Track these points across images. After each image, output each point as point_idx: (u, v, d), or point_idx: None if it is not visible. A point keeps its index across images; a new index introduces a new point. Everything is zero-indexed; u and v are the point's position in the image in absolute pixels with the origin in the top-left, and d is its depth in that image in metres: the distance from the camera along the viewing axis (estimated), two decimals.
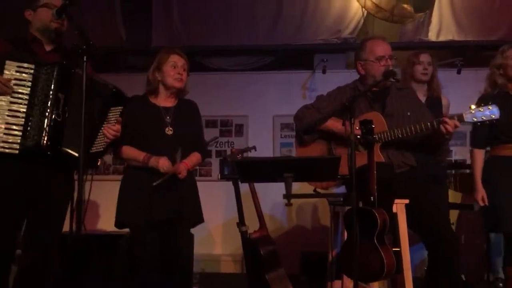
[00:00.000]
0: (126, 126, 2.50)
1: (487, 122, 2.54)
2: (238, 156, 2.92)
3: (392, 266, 2.24)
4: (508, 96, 2.98)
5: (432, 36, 4.66)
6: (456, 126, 2.51)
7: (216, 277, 4.41)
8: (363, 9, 4.60)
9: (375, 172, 2.31)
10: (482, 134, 3.00)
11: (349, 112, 2.32)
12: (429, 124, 2.56)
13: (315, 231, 4.73)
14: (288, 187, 2.25)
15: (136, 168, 2.64)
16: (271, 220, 4.73)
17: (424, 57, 3.34)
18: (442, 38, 4.59)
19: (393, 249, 2.66)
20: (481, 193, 2.97)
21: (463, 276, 3.72)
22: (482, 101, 3.00)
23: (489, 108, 2.51)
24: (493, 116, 2.51)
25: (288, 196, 2.23)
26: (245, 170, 2.24)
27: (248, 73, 5.01)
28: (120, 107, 2.38)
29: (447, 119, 2.51)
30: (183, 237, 2.67)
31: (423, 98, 3.29)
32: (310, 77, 4.81)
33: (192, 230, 2.79)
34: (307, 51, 4.82)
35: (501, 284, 3.48)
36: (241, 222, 2.70)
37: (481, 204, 2.97)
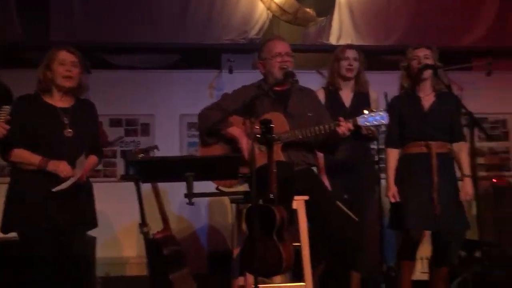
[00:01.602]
0: (19, 127, 2.36)
1: (378, 126, 2.68)
2: (139, 156, 2.86)
3: (290, 260, 2.32)
4: (415, 96, 3.10)
5: (333, 39, 4.86)
6: (349, 129, 2.61)
7: (121, 281, 4.29)
8: (268, 11, 4.71)
9: (274, 170, 2.38)
10: (395, 133, 3.08)
11: (250, 111, 2.37)
12: (327, 126, 2.65)
13: (224, 230, 4.76)
14: (189, 187, 2.26)
15: (27, 172, 2.49)
16: (180, 220, 4.69)
17: (350, 53, 3.31)
18: (342, 42, 4.78)
19: (294, 244, 2.77)
20: (392, 190, 3.03)
21: (364, 266, 3.94)
22: (392, 102, 3.16)
23: (379, 114, 2.62)
24: (383, 122, 2.63)
25: (189, 195, 2.24)
26: (145, 170, 2.21)
27: (155, 71, 4.92)
28: (8, 106, 2.25)
29: (342, 122, 2.62)
30: (80, 242, 2.57)
31: (350, 94, 3.34)
32: (217, 77, 4.83)
33: (96, 233, 2.70)
34: (214, 50, 4.83)
35: (393, 273, 3.72)
36: (143, 223, 2.66)
37: (392, 200, 3.03)
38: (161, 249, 2.76)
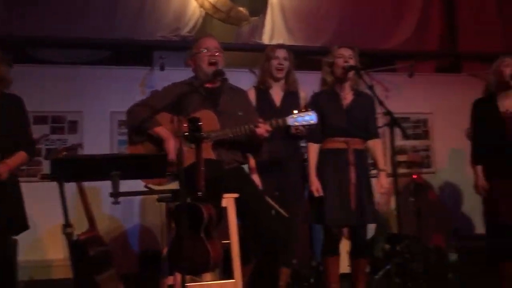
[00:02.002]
0: None
1: (307, 126, 2.75)
2: (62, 155, 2.77)
3: (218, 258, 2.34)
4: (335, 94, 3.19)
5: (265, 39, 4.92)
6: (267, 130, 2.67)
7: (45, 284, 4.14)
8: (201, 8, 4.70)
9: (203, 168, 2.39)
10: (316, 128, 3.10)
11: (178, 108, 2.36)
12: (247, 127, 2.69)
13: (156, 229, 4.70)
14: (114, 186, 2.21)
15: None
16: (112, 219, 4.58)
17: (280, 52, 3.35)
18: (274, 42, 4.83)
19: (223, 241, 2.79)
20: (315, 185, 3.09)
21: (294, 261, 4.04)
22: (313, 98, 3.24)
23: (308, 114, 2.70)
24: (312, 122, 2.70)
25: (115, 194, 2.20)
26: (67, 169, 2.14)
27: (83, 67, 4.76)
28: None
29: (260, 123, 2.67)
30: (1, 246, 2.45)
31: (280, 93, 3.38)
32: (149, 74, 4.75)
33: (19, 236, 2.58)
34: (145, 47, 4.75)
35: (322, 268, 3.83)
36: (66, 224, 2.57)
37: (316, 195, 3.08)
38: (86, 250, 2.69)
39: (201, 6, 4.68)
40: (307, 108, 2.75)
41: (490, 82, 3.31)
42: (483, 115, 3.27)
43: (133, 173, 2.28)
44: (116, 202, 2.18)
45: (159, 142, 2.72)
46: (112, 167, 2.17)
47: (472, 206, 3.33)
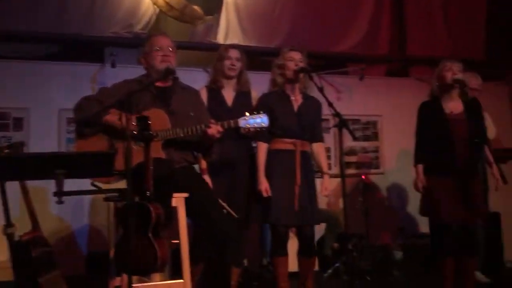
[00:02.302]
0: None
1: (259, 129, 2.78)
2: (4, 153, 2.66)
3: (165, 258, 2.33)
4: (284, 95, 3.24)
5: (220, 39, 4.91)
6: (219, 131, 2.68)
7: None
8: (155, 6, 4.64)
9: (151, 167, 2.36)
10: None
11: (126, 106, 2.33)
12: (198, 127, 2.69)
13: (105, 229, 4.60)
14: (58, 185, 2.16)
15: None
16: (59, 220, 4.44)
17: (233, 52, 3.35)
18: (229, 41, 4.84)
19: (173, 241, 2.78)
20: (264, 185, 3.12)
21: (245, 261, 4.06)
22: (262, 98, 3.28)
23: (260, 117, 2.73)
24: (263, 124, 2.73)
25: (59, 193, 2.14)
26: (8, 168, 2.06)
27: (32, 62, 4.59)
28: None
29: (212, 124, 2.68)
30: None
31: (232, 93, 3.38)
32: (99, 71, 4.64)
33: None
34: (96, 43, 4.63)
35: (271, 267, 3.88)
36: (8, 224, 2.48)
37: (265, 195, 3.12)
38: (29, 251, 2.60)
39: (155, 3, 4.62)
40: (259, 110, 2.78)
41: (434, 86, 3.45)
42: (429, 117, 3.40)
43: (78, 172, 2.22)
44: (60, 202, 2.13)
45: (111, 132, 2.67)
46: (56, 166, 2.11)
47: (418, 206, 3.45)
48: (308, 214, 3.13)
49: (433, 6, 5.62)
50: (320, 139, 3.35)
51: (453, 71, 3.32)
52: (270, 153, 3.22)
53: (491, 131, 4.08)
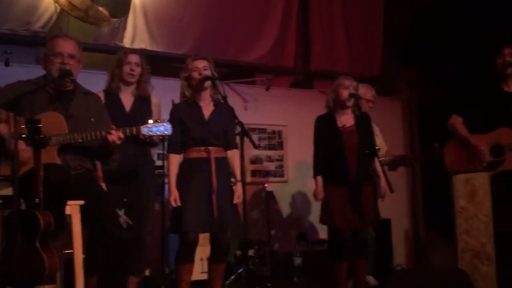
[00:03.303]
0: None
1: (162, 137, 2.74)
2: None
3: (53, 269, 2.22)
4: (195, 104, 3.24)
5: (126, 42, 4.77)
6: (120, 138, 2.62)
7: None
8: (57, 4, 4.42)
9: (41, 173, 2.25)
10: (176, 139, 3.15)
11: (16, 108, 2.21)
12: (98, 133, 2.61)
13: None
14: None
15: None
16: None
17: (133, 57, 3.29)
18: (136, 46, 4.74)
19: (66, 251, 2.66)
20: (173, 195, 3.10)
21: (147, 272, 3.97)
22: (174, 109, 3.25)
23: (163, 125, 2.71)
24: (166, 133, 2.72)
25: None
26: None
27: None
28: None
29: (113, 131, 2.61)
30: None
31: (131, 98, 3.30)
32: None
33: None
34: None
35: (174, 276, 3.83)
36: None
37: (174, 205, 3.09)
38: None
39: (56, 1, 4.40)
40: (158, 113, 2.75)
41: (329, 99, 3.64)
42: (324, 130, 3.59)
43: None
44: None
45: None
46: None
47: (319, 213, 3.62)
48: (225, 220, 3.14)
49: (335, 24, 5.93)
50: (234, 146, 3.34)
51: (349, 89, 3.54)
52: (186, 163, 3.21)
53: (382, 146, 4.34)
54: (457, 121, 3.61)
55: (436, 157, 4.05)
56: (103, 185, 3.06)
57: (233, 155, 3.33)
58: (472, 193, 3.35)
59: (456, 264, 3.39)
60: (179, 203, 3.10)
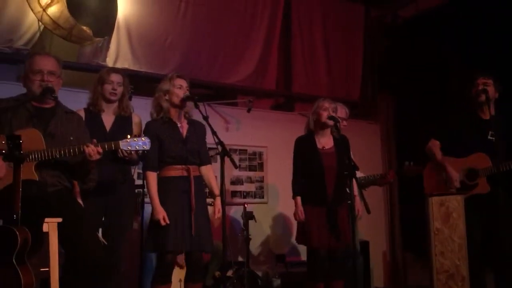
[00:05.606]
0: None
1: (140, 152, 2.74)
2: None
3: (30, 286, 2.19)
4: (172, 122, 3.23)
5: (109, 62, 4.81)
6: (99, 152, 2.63)
7: None
8: (40, 22, 4.44)
9: (20, 189, 2.24)
10: (154, 157, 3.13)
11: None
12: (76, 148, 2.62)
13: None
14: None
15: None
16: None
17: (115, 77, 3.30)
18: (119, 65, 4.79)
19: (42, 269, 2.62)
20: (161, 214, 3.03)
21: None
22: (149, 126, 3.20)
23: (142, 140, 2.72)
24: (145, 147, 2.72)
25: None
26: None
27: None
28: None
29: (91, 144, 2.62)
30: None
31: (112, 117, 3.31)
32: None
33: None
34: None
35: None
36: None
37: (163, 223, 3.02)
38: None
39: (40, 20, 4.41)
40: (140, 132, 2.75)
41: (310, 121, 3.71)
42: (303, 151, 3.65)
43: None
44: None
45: None
46: None
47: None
48: (202, 240, 3.13)
49: (316, 49, 6.07)
50: (208, 162, 3.36)
51: (329, 111, 3.62)
52: (163, 181, 3.17)
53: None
54: (434, 144, 3.72)
55: (408, 174, 4.19)
56: (80, 201, 3.05)
57: (208, 170, 3.33)
58: (446, 215, 3.43)
59: (432, 285, 3.44)
60: (168, 221, 3.04)
